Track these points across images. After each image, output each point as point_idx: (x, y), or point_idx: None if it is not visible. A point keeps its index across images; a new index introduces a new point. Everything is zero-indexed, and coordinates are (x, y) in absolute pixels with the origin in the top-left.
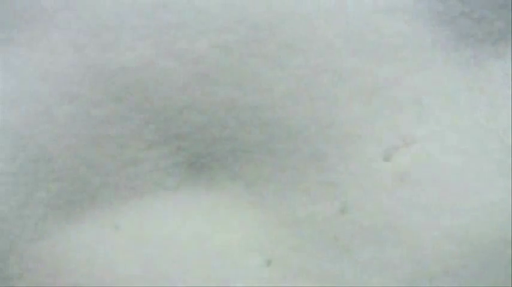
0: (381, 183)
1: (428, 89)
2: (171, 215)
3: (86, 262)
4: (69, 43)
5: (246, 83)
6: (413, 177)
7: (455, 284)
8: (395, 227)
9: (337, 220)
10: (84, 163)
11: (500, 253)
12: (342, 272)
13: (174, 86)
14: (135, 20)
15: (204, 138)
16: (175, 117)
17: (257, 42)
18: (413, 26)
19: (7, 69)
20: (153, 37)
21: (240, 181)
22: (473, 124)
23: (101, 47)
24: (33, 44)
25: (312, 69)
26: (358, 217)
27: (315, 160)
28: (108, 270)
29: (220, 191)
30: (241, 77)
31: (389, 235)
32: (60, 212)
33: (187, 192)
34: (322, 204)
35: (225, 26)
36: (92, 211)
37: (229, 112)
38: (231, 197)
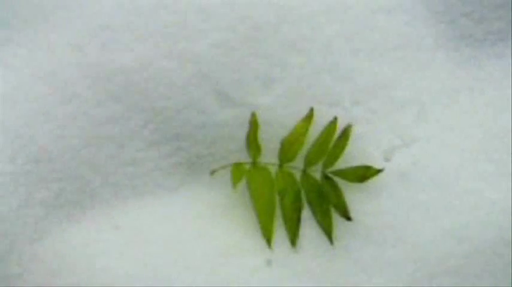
0: (381, 183)
1: (428, 89)
2: (171, 215)
3: (86, 262)
4: (69, 43)
5: (247, 83)
6: (413, 177)
7: (455, 284)
8: (395, 227)
9: (338, 220)
10: (84, 163)
11: (500, 253)
12: (342, 272)
13: (174, 86)
14: (135, 20)
15: (204, 138)
16: (175, 117)
17: (258, 41)
18: (413, 26)
19: (7, 69)
20: (153, 37)
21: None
22: (473, 124)
23: (101, 47)
24: (33, 44)
25: (312, 69)
26: (358, 217)
27: None
28: (108, 270)
29: (220, 191)
30: (241, 77)
31: (390, 235)
32: (60, 212)
33: (187, 192)
34: None
35: (226, 25)
36: (92, 211)
37: (229, 112)
38: (231, 197)
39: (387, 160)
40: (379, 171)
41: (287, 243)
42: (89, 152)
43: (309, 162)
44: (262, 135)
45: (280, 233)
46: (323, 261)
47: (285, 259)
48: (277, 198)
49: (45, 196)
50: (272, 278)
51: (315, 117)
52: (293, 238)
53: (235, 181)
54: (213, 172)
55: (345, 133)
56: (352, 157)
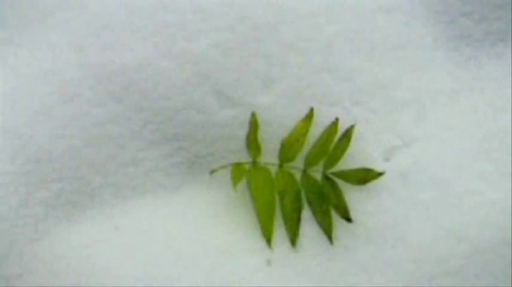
0: (381, 183)
1: (428, 89)
2: (171, 215)
3: (86, 262)
4: (69, 43)
5: (246, 83)
6: (413, 177)
7: (455, 284)
8: (395, 227)
9: (338, 220)
10: (84, 163)
11: (500, 253)
12: (342, 272)
13: (174, 86)
14: (135, 20)
15: (204, 138)
16: (175, 117)
17: (257, 41)
18: (413, 26)
19: (7, 69)
20: (153, 37)
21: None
22: (473, 124)
23: (101, 47)
24: (33, 44)
25: (312, 68)
26: (359, 217)
27: None
28: (108, 270)
29: (220, 191)
30: (241, 77)
31: (389, 235)
32: (60, 212)
33: (187, 192)
34: None
35: (225, 25)
36: (92, 211)
37: (229, 112)
38: (231, 197)
39: (387, 160)
40: (380, 174)
41: (287, 243)
42: (89, 152)
43: (309, 162)
44: (262, 135)
45: (280, 233)
46: (323, 261)
47: (285, 259)
48: (277, 198)
49: (45, 196)
50: (272, 278)
51: (315, 117)
52: (293, 237)
53: (235, 181)
54: (213, 172)
55: (347, 134)
56: (351, 156)
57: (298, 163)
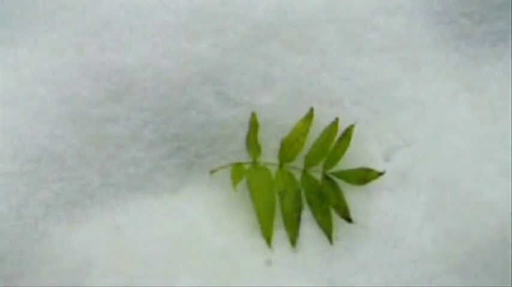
0: (381, 183)
1: (428, 89)
2: (171, 215)
3: (86, 262)
4: (69, 43)
5: (247, 83)
6: (413, 177)
7: (455, 284)
8: (395, 227)
9: (338, 220)
10: (84, 163)
11: (500, 253)
12: (342, 272)
13: (174, 86)
14: (135, 20)
15: (204, 138)
16: (175, 117)
17: (257, 41)
18: (413, 26)
19: (7, 69)
20: (153, 37)
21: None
22: (473, 124)
23: (101, 47)
24: (33, 44)
25: (312, 68)
26: (359, 217)
27: None
28: (108, 270)
29: (220, 191)
30: (241, 77)
31: (389, 235)
32: (60, 212)
33: (187, 192)
34: None
35: (226, 25)
36: (92, 211)
37: (229, 112)
38: (231, 197)
39: (387, 160)
40: (380, 174)
41: (287, 243)
42: (89, 152)
43: (309, 162)
44: (262, 135)
45: (280, 233)
46: (323, 261)
47: (285, 259)
48: (277, 198)
49: (45, 196)
50: (272, 278)
51: (315, 117)
52: (293, 237)
53: (235, 181)
54: (213, 172)
55: (347, 134)
56: (351, 156)
57: (298, 163)
